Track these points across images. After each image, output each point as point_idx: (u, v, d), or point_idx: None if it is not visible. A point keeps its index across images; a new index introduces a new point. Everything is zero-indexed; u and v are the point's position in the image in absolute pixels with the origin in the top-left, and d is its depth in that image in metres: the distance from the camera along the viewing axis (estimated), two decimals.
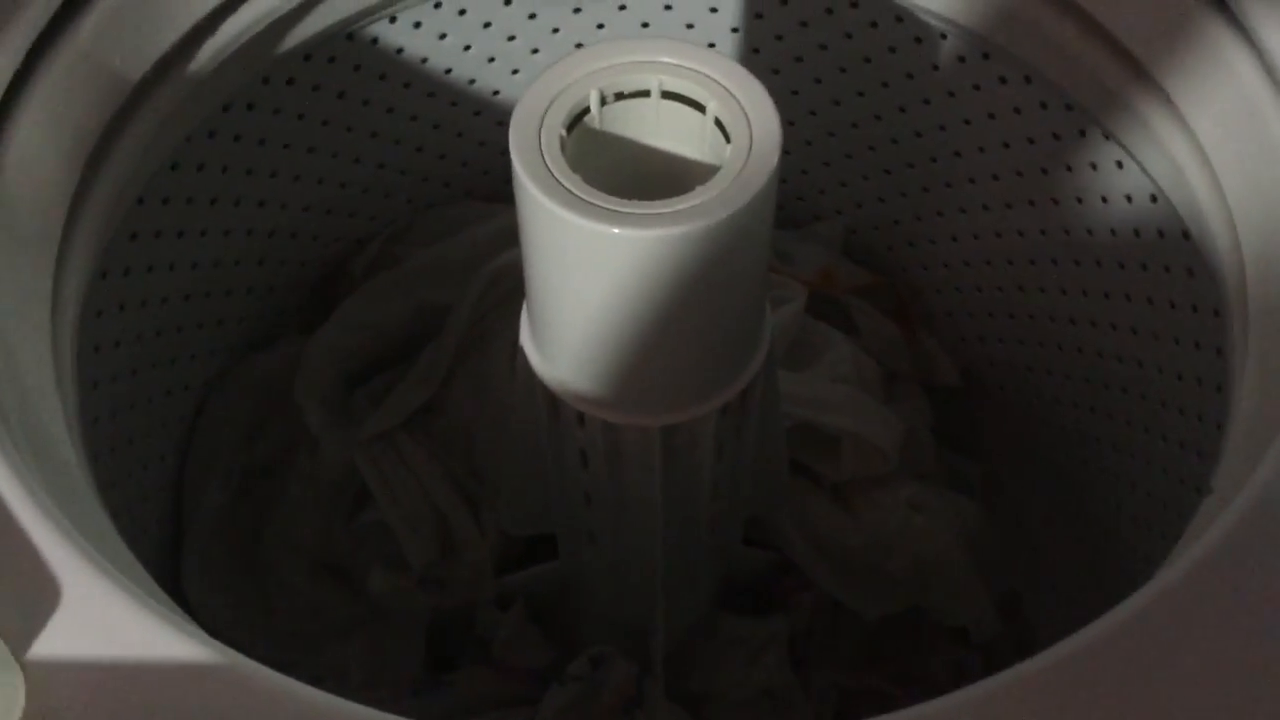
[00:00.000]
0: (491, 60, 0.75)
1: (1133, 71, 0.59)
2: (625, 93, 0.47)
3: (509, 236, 0.75)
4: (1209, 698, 0.34)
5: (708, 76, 0.47)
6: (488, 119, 0.78)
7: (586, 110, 0.47)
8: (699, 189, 0.44)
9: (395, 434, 0.72)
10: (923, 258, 0.82)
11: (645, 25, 0.75)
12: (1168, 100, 0.58)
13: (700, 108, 0.47)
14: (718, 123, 0.46)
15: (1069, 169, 0.68)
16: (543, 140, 0.45)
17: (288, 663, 0.72)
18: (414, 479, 0.71)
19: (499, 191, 0.82)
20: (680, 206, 0.43)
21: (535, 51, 0.76)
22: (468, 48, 0.74)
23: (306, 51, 0.67)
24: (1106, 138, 0.63)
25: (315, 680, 0.72)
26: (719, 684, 0.71)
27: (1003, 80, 0.68)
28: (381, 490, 0.71)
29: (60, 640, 0.33)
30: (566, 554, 0.68)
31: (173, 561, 0.72)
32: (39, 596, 0.33)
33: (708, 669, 0.71)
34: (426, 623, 0.73)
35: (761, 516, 0.70)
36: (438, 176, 0.81)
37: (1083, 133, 0.65)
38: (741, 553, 0.71)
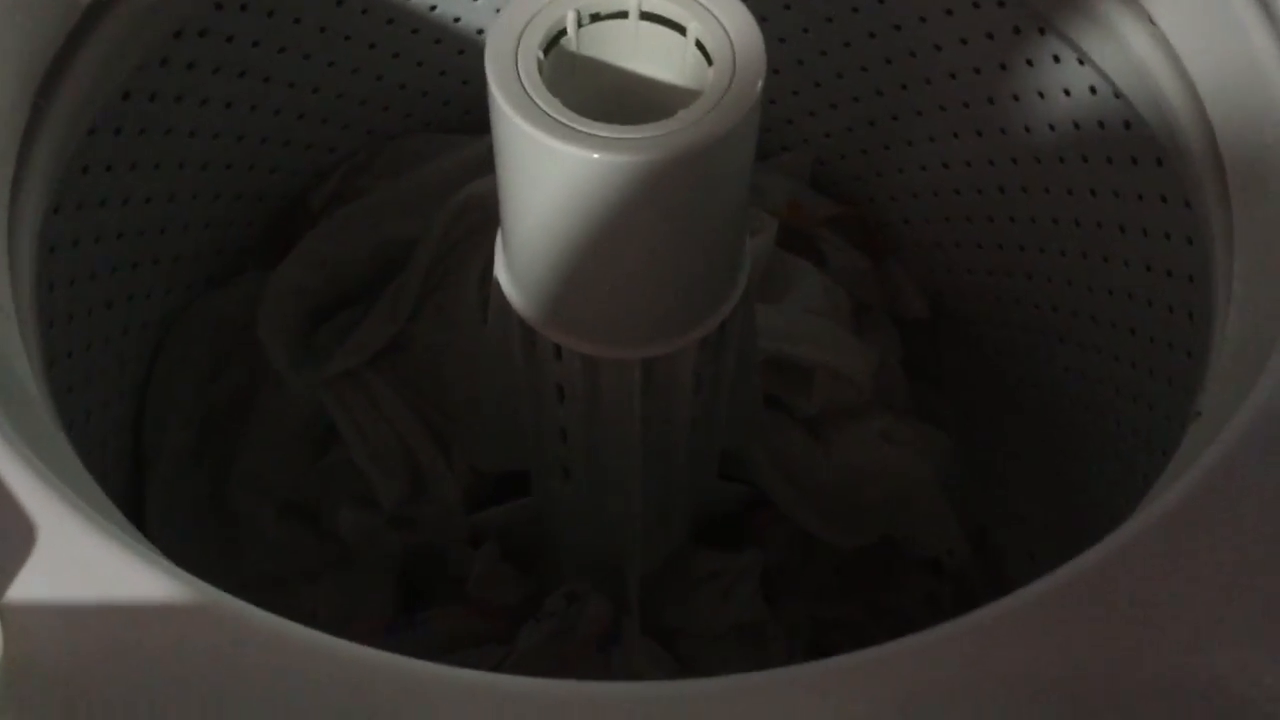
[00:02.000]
0: None
1: None
2: (602, 14, 0.46)
3: (473, 168, 0.74)
4: (1213, 620, 0.34)
5: None
6: (448, 47, 0.76)
7: (563, 32, 0.45)
8: (681, 113, 0.43)
9: (362, 371, 0.71)
10: (891, 188, 0.82)
11: None
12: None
13: (680, 29, 0.45)
14: (699, 44, 0.45)
15: (1041, 95, 0.67)
16: (519, 63, 0.43)
17: (256, 605, 0.72)
18: (382, 417, 0.70)
19: (461, 122, 0.80)
20: (663, 131, 0.42)
21: None
22: None
23: None
24: (1081, 63, 0.63)
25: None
26: (693, 618, 0.71)
27: (975, 5, 0.67)
28: (349, 429, 0.70)
29: (38, 583, 0.32)
30: (540, 490, 0.67)
31: (135, 503, 0.71)
32: (14, 539, 0.32)
33: (682, 603, 0.71)
34: (398, 562, 0.72)
35: (735, 450, 0.70)
36: (398, 106, 0.78)
37: (1056, 58, 0.64)
38: (715, 486, 0.71)
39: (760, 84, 0.44)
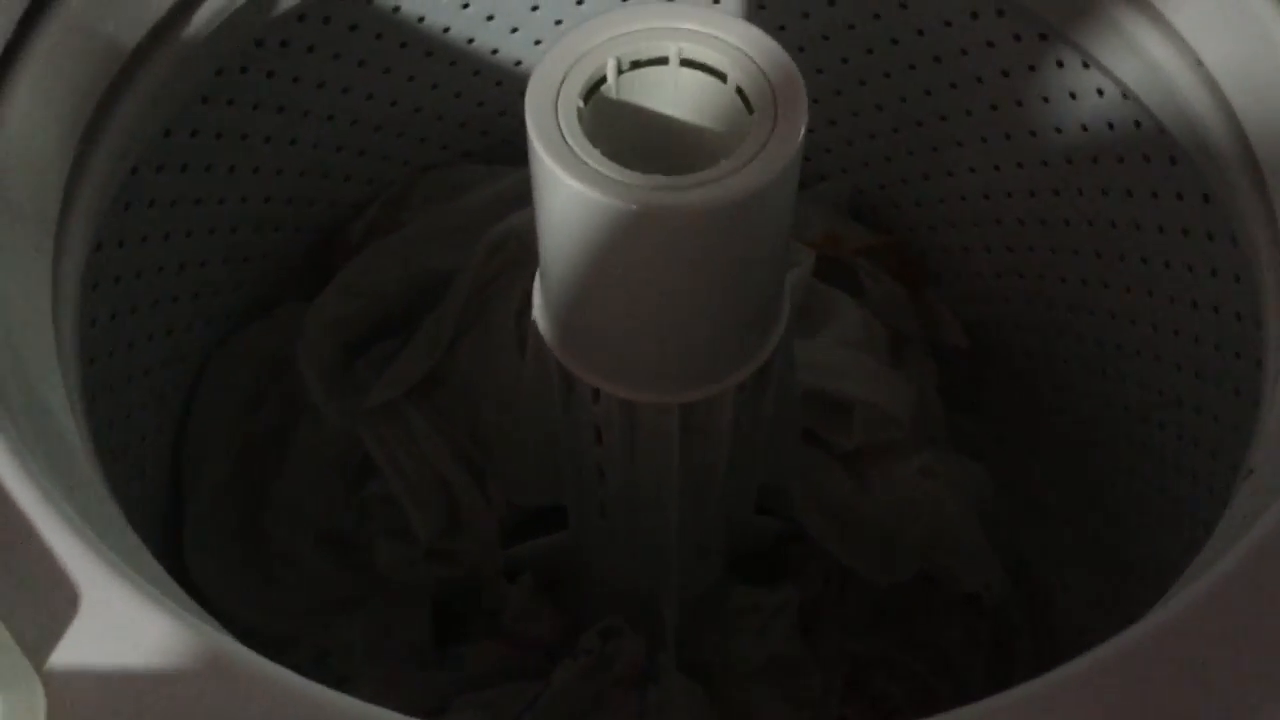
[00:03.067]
0: (490, 18, 0.73)
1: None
2: (643, 60, 0.46)
3: (510, 200, 0.74)
4: (1270, 688, 0.34)
5: (728, 43, 0.45)
6: (487, 79, 0.76)
7: (603, 79, 0.45)
8: (723, 162, 0.42)
9: (399, 404, 0.71)
10: (930, 218, 0.81)
11: None
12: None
13: (721, 76, 0.45)
14: (739, 91, 0.45)
15: (1084, 128, 0.66)
16: (560, 112, 0.43)
17: (292, 637, 0.72)
18: (419, 450, 0.70)
19: (498, 153, 0.80)
20: (703, 180, 0.42)
21: (535, 9, 0.74)
22: (466, 5, 0.72)
23: (301, 12, 0.65)
24: (1125, 97, 0.62)
25: (320, 654, 0.72)
26: (730, 654, 0.71)
27: (1017, 38, 0.66)
28: (386, 462, 0.70)
29: (80, 648, 0.32)
30: (576, 525, 0.67)
31: (174, 535, 0.71)
32: (57, 604, 0.32)
33: (718, 639, 0.71)
34: (433, 595, 0.72)
35: (772, 485, 0.69)
36: (436, 138, 0.79)
37: (1100, 92, 0.64)
38: (752, 521, 0.70)
39: (802, 131, 0.43)
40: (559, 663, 0.67)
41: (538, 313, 0.52)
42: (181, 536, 0.71)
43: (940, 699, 0.74)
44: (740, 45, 0.45)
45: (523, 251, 0.71)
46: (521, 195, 0.59)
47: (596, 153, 0.42)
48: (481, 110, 0.78)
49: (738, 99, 0.45)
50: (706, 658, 0.71)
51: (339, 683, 0.69)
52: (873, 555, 0.71)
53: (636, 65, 0.46)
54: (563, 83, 0.44)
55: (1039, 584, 0.79)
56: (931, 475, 0.70)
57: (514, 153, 0.53)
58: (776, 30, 0.73)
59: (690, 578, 0.66)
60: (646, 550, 0.63)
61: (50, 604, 0.32)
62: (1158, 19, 0.57)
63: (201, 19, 0.57)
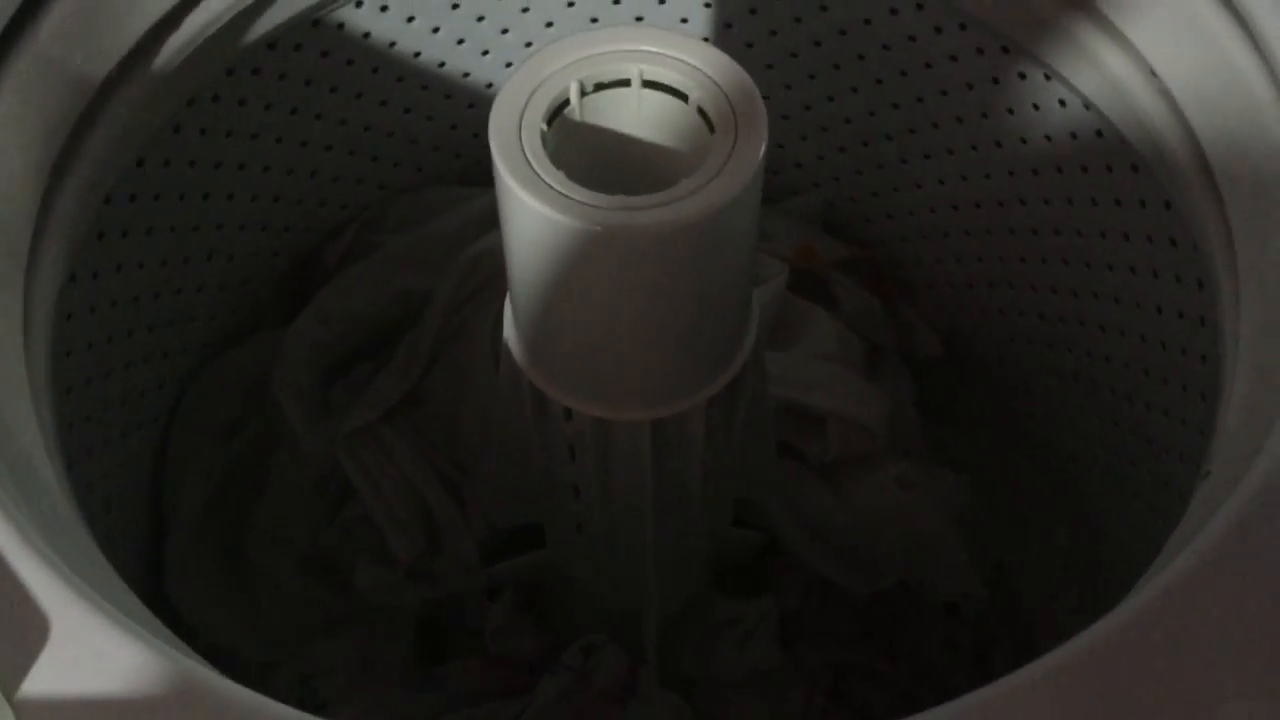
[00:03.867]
0: (461, 42, 0.74)
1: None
2: (605, 82, 0.46)
3: (484, 221, 0.75)
4: (1227, 679, 0.34)
5: (689, 64, 0.46)
6: (459, 101, 0.77)
7: (566, 102, 0.46)
8: (684, 181, 0.43)
9: (376, 426, 0.71)
10: (902, 229, 0.82)
11: (616, 2, 0.74)
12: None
13: (683, 96, 0.46)
14: (701, 112, 0.45)
15: (1048, 139, 0.67)
16: (523, 136, 0.44)
17: (275, 661, 0.72)
18: (397, 472, 0.71)
19: (472, 175, 0.81)
20: (666, 200, 0.42)
21: (505, 32, 0.74)
22: (436, 30, 0.72)
23: (271, 40, 0.65)
24: (1086, 108, 0.63)
25: (304, 678, 0.72)
26: (711, 666, 0.71)
27: (980, 51, 0.67)
28: (364, 485, 0.70)
29: (51, 676, 0.32)
30: (555, 543, 0.67)
31: (155, 563, 0.71)
32: (27, 632, 0.32)
33: (699, 652, 0.71)
34: (416, 616, 0.72)
35: (750, 498, 0.70)
36: (410, 161, 0.79)
37: (1063, 103, 0.65)
38: (731, 535, 0.71)
39: (763, 150, 0.44)
40: (541, 679, 0.68)
41: (508, 334, 0.52)
42: (163, 563, 0.71)
43: (922, 707, 0.74)
44: (701, 66, 0.45)
45: (497, 272, 0.71)
46: (495, 217, 0.59)
47: (560, 175, 0.43)
48: (454, 133, 0.79)
49: (699, 119, 0.46)
50: (688, 671, 0.72)
51: (321, 706, 0.70)
52: (851, 566, 0.72)
53: (600, 87, 0.46)
54: (526, 106, 0.44)
55: (1018, 591, 0.80)
56: (908, 486, 0.71)
57: (487, 174, 0.54)
58: (744, 48, 0.74)
59: (669, 592, 0.67)
60: (625, 565, 0.63)
61: (20, 633, 0.33)
62: (1114, 33, 0.58)
63: (171, 49, 0.57)
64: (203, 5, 0.56)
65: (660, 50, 0.46)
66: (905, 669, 0.75)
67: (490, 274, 0.72)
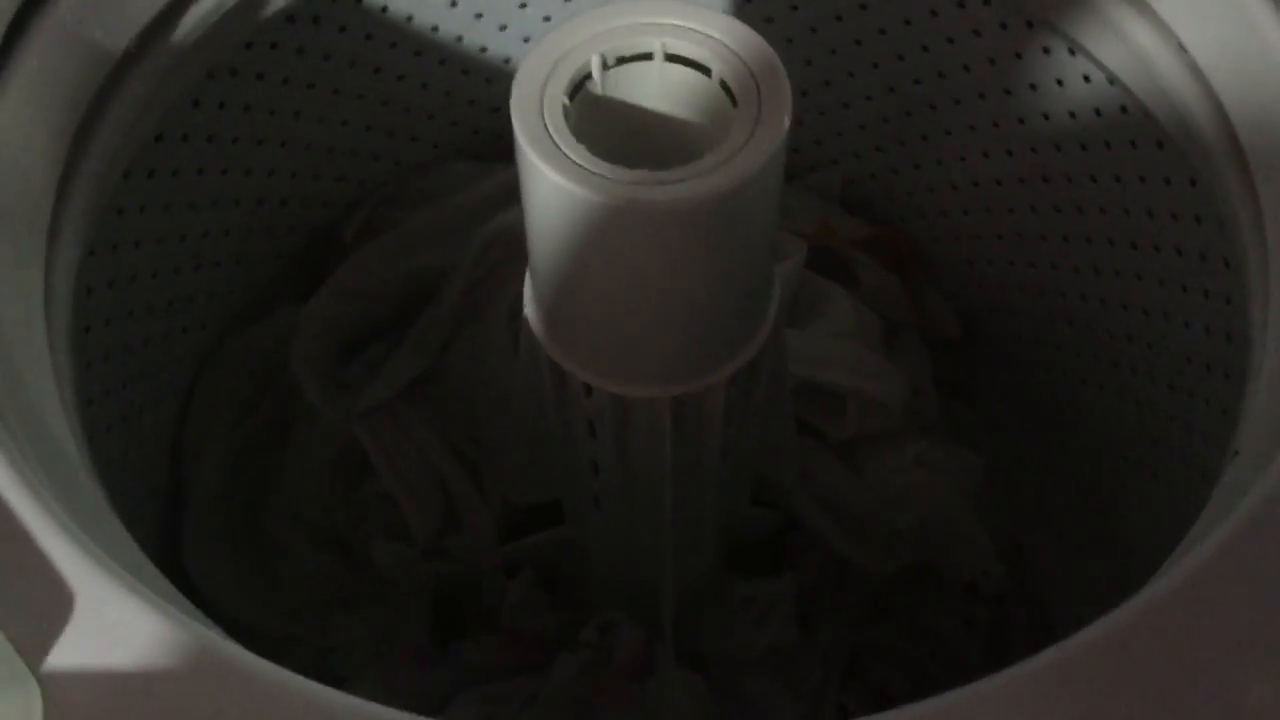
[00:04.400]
0: (479, 16, 0.73)
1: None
2: (627, 56, 0.46)
3: (502, 197, 0.74)
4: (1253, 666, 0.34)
5: (712, 38, 0.45)
6: (476, 77, 0.76)
7: (588, 76, 0.45)
8: (708, 156, 0.43)
9: (394, 403, 0.71)
10: (921, 207, 0.81)
11: None
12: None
13: (705, 70, 0.45)
14: (723, 85, 0.45)
15: (1072, 115, 0.67)
16: (545, 110, 0.43)
17: (293, 637, 0.72)
18: (414, 448, 0.71)
19: (490, 150, 0.80)
20: (689, 174, 0.42)
21: (523, 6, 0.74)
22: (454, 4, 0.72)
23: (290, 14, 0.65)
24: (1111, 83, 0.62)
25: (321, 653, 0.73)
26: (728, 645, 0.71)
27: (1003, 26, 0.67)
28: (382, 461, 0.70)
29: (76, 650, 0.32)
30: (573, 520, 0.67)
31: (173, 538, 0.71)
32: (52, 606, 0.32)
33: (716, 630, 0.71)
34: (433, 592, 0.72)
35: (767, 476, 0.70)
36: (427, 137, 0.79)
37: (1087, 78, 0.64)
38: (748, 513, 0.70)
39: (786, 124, 0.43)
40: (558, 656, 0.68)
41: (528, 309, 0.52)
42: (181, 538, 0.71)
43: (939, 686, 0.74)
44: (724, 39, 0.45)
45: (515, 248, 0.71)
46: (513, 192, 0.59)
47: (582, 149, 0.42)
48: (472, 108, 0.78)
49: (722, 93, 0.45)
50: (705, 649, 0.72)
51: (339, 681, 0.70)
52: (868, 544, 0.72)
53: (622, 61, 0.46)
54: (548, 80, 0.44)
55: (1036, 570, 0.79)
56: (926, 464, 0.71)
57: (505, 150, 0.54)
58: (764, 23, 0.74)
59: (687, 569, 0.67)
60: (642, 543, 0.63)
61: (46, 607, 0.33)
62: (1141, 5, 0.57)
63: (190, 23, 0.57)
64: None
65: (683, 24, 0.45)
66: (922, 647, 0.75)
67: (508, 250, 0.71)
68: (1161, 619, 0.35)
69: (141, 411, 0.68)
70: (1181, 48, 0.55)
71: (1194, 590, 0.35)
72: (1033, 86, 0.68)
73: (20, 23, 0.46)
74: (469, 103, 0.78)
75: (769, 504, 0.73)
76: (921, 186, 0.80)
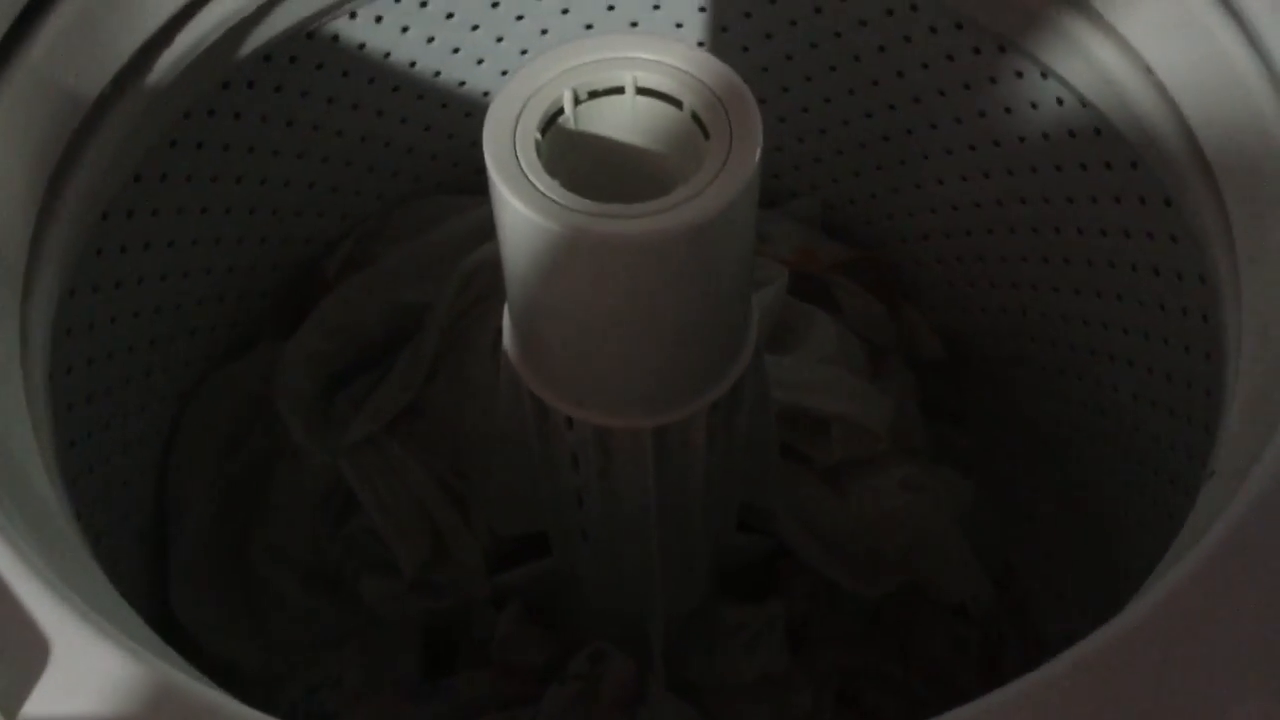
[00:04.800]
0: (456, 51, 0.74)
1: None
2: (599, 90, 0.46)
3: (483, 229, 0.75)
4: (1236, 681, 0.34)
5: (683, 71, 0.46)
6: (455, 111, 0.77)
7: (560, 110, 0.45)
8: (680, 188, 0.43)
9: (379, 438, 0.71)
10: (901, 230, 0.81)
11: (610, 8, 0.74)
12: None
13: (677, 103, 0.46)
14: (695, 118, 0.45)
15: (1046, 137, 0.67)
16: (518, 145, 0.43)
17: (282, 675, 0.72)
18: (400, 483, 0.70)
19: (470, 184, 0.81)
20: (663, 207, 0.42)
21: (500, 40, 0.74)
22: (431, 39, 0.72)
23: (266, 53, 0.65)
24: (1084, 105, 0.63)
25: (311, 690, 0.72)
26: (719, 672, 0.71)
27: (976, 50, 0.67)
28: (368, 496, 0.70)
29: (52, 699, 0.32)
30: (559, 551, 0.67)
31: (159, 579, 0.71)
32: (28, 655, 0.32)
33: (707, 658, 0.71)
34: (422, 627, 0.72)
35: (754, 502, 0.70)
36: (407, 171, 0.79)
37: (1060, 101, 0.64)
38: (736, 539, 0.70)
39: (758, 155, 0.44)
40: (549, 688, 0.67)
41: (507, 343, 0.52)
42: (167, 578, 0.71)
43: (931, 710, 0.74)
44: (694, 72, 0.45)
45: (496, 281, 0.71)
46: (493, 225, 0.59)
47: (554, 183, 0.42)
48: (451, 142, 0.79)
49: (694, 125, 0.45)
50: (696, 677, 0.71)
51: (329, 718, 0.70)
52: (857, 569, 0.72)
53: (594, 95, 0.46)
54: (520, 115, 0.44)
55: (1027, 592, 0.79)
56: (913, 488, 0.71)
57: (485, 183, 0.54)
58: (740, 51, 0.74)
59: (676, 597, 0.67)
60: (630, 572, 0.63)
61: (21, 655, 0.32)
62: (1108, 29, 0.58)
63: (166, 64, 0.57)
64: (196, 20, 0.56)
65: (654, 57, 0.46)
66: (914, 671, 0.75)
67: (490, 283, 0.72)
68: (1145, 638, 0.35)
69: (124, 451, 0.67)
70: (1149, 70, 0.56)
71: (1174, 609, 0.35)
72: (1007, 110, 0.68)
73: None
74: (448, 136, 0.78)
75: (756, 530, 0.73)
76: (901, 210, 0.80)
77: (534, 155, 0.43)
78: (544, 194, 0.42)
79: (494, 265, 0.71)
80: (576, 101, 0.46)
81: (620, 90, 0.46)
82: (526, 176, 0.43)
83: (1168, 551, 0.41)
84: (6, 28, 0.46)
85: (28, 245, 0.52)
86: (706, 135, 0.44)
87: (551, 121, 0.45)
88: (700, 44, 0.74)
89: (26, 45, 0.48)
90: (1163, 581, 0.36)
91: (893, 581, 0.72)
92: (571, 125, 0.46)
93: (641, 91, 0.46)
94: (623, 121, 0.47)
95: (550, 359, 0.50)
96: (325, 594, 0.72)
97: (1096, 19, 0.58)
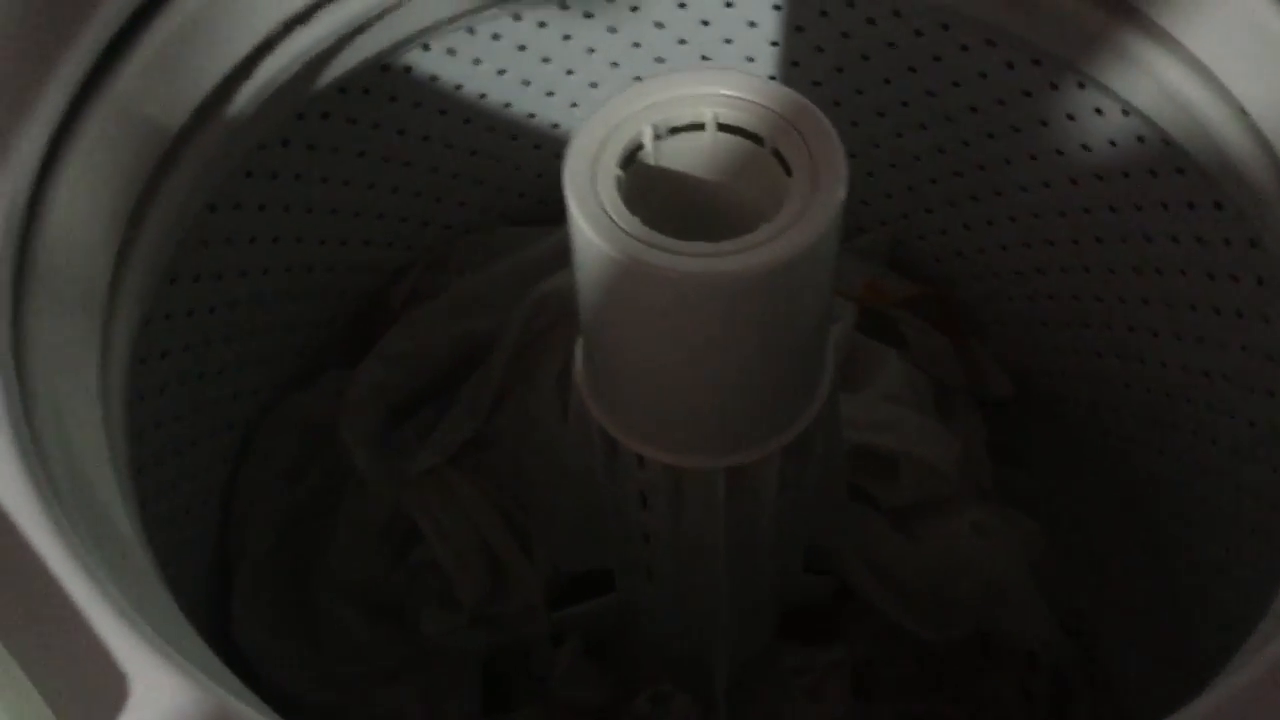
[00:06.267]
0: (527, 84, 0.74)
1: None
2: (679, 126, 0.46)
3: (550, 261, 0.75)
4: None
5: (764, 106, 0.45)
6: (524, 143, 0.77)
7: (640, 146, 0.45)
8: (763, 227, 0.42)
9: (443, 469, 0.71)
10: (972, 268, 0.80)
11: (682, 42, 0.74)
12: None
13: (758, 139, 0.45)
14: (776, 154, 0.45)
15: (1126, 175, 0.66)
16: (598, 182, 0.43)
17: (342, 706, 0.72)
18: (463, 515, 0.70)
19: (536, 214, 0.81)
20: (746, 246, 0.42)
21: (570, 73, 0.74)
22: (502, 72, 0.72)
23: (341, 85, 0.65)
24: (1167, 144, 0.61)
25: None
26: (783, 716, 0.69)
27: (1054, 86, 0.66)
28: (430, 528, 0.70)
29: None
30: (623, 589, 0.66)
31: (221, 605, 0.71)
32: (107, 692, 0.32)
33: (770, 702, 0.70)
34: (481, 662, 0.72)
35: (821, 543, 0.68)
36: (475, 202, 0.79)
37: (1141, 139, 0.63)
38: (801, 580, 0.69)
39: (842, 193, 0.43)
40: None
41: (579, 378, 0.52)
42: (229, 607, 0.71)
43: None
44: (775, 107, 0.45)
45: (563, 313, 0.71)
46: (560, 256, 0.59)
47: (636, 221, 0.42)
48: (519, 173, 0.79)
49: (775, 162, 0.45)
50: None
51: None
52: (924, 612, 0.70)
53: (674, 131, 0.46)
54: (600, 151, 0.44)
55: (1097, 641, 0.77)
56: (983, 531, 0.69)
57: (552, 214, 0.54)
58: (811, 86, 0.74)
59: (740, 639, 0.66)
60: (695, 613, 0.62)
61: (100, 693, 0.32)
62: (1194, 62, 0.56)
63: (245, 96, 0.58)
64: (275, 54, 0.57)
65: (734, 93, 0.45)
66: (980, 719, 0.73)
67: (557, 314, 0.71)
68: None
69: (191, 479, 0.68)
70: (1243, 111, 0.54)
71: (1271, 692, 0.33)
72: (1085, 147, 0.67)
73: (80, 100, 0.47)
74: (515, 168, 0.78)
75: (821, 570, 0.72)
76: (971, 247, 0.79)
77: (614, 191, 0.43)
78: (625, 231, 0.42)
79: (561, 296, 0.71)
80: (657, 137, 0.45)
81: (701, 126, 0.45)
82: (607, 213, 0.42)
83: (1266, 615, 0.39)
84: (94, 60, 0.47)
85: (110, 275, 0.52)
86: (789, 172, 0.44)
87: (631, 157, 0.45)
88: (771, 78, 0.74)
89: (112, 79, 0.49)
90: (1262, 654, 0.34)
91: (960, 627, 0.71)
92: (651, 161, 0.45)
93: (722, 127, 0.45)
94: (703, 158, 0.46)
95: (623, 395, 0.50)
96: (385, 626, 0.72)
97: (1182, 55, 0.57)
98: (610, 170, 0.43)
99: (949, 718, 0.74)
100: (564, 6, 0.70)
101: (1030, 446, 0.83)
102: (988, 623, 0.71)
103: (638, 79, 0.50)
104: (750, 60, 0.74)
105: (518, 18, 0.70)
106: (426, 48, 0.69)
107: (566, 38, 0.72)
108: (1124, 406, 0.74)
